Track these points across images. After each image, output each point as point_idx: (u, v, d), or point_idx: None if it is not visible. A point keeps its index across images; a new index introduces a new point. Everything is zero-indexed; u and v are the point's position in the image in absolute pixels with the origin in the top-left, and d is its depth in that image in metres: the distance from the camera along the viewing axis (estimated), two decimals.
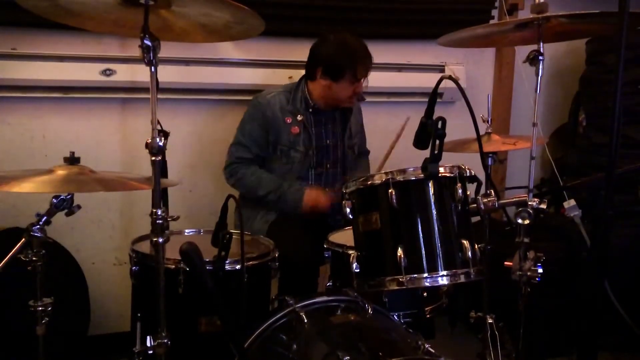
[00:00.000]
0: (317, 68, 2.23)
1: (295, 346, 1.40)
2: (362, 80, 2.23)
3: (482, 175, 1.51)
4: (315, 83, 2.27)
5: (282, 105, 2.26)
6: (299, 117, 2.26)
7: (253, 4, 1.38)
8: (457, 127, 1.69)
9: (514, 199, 1.41)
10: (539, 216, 1.41)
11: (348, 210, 1.50)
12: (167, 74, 2.34)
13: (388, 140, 2.15)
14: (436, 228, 1.38)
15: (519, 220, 1.39)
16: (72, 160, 1.48)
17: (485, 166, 1.70)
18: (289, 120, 2.25)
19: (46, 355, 1.52)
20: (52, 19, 1.42)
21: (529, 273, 1.44)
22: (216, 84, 2.57)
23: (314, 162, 2.32)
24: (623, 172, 1.97)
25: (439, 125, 1.37)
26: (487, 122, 1.99)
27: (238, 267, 1.64)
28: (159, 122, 1.36)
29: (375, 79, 2.36)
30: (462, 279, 1.38)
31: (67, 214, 1.47)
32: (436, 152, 1.35)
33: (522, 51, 1.58)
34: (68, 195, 1.45)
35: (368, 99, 2.61)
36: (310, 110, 2.29)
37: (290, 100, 2.28)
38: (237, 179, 2.26)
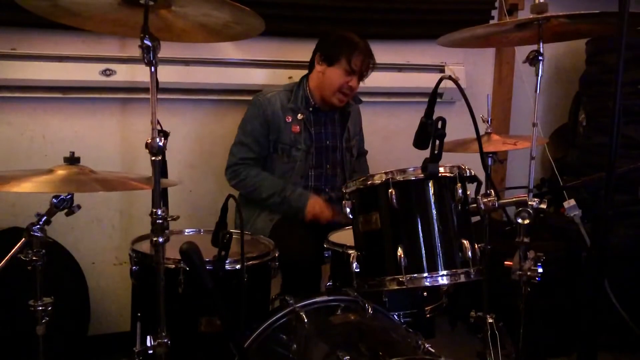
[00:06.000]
0: (316, 54, 2.26)
1: (295, 346, 1.40)
2: (357, 77, 2.22)
3: (482, 175, 1.51)
4: (313, 74, 2.29)
5: (282, 103, 2.26)
6: (300, 116, 2.26)
7: (253, 4, 1.38)
8: (457, 127, 1.69)
9: (514, 199, 1.41)
10: (539, 216, 1.41)
11: (348, 210, 1.50)
12: (167, 74, 2.34)
13: (388, 141, 2.15)
14: (436, 228, 1.38)
15: (519, 220, 1.39)
16: (72, 160, 1.48)
17: (485, 166, 1.70)
18: (289, 119, 2.25)
19: (46, 355, 1.51)
20: (52, 19, 1.42)
21: (529, 273, 1.44)
22: (216, 84, 2.57)
23: (313, 163, 2.31)
24: (623, 172, 1.96)
25: (439, 125, 1.37)
26: (487, 122, 1.99)
27: (238, 267, 1.64)
28: (159, 122, 1.36)
29: (375, 79, 2.36)
30: (462, 278, 1.38)
31: (67, 214, 1.47)
32: (436, 152, 1.35)
33: (522, 51, 1.58)
34: (68, 195, 1.45)
35: (368, 99, 2.61)
36: (311, 109, 2.29)
37: (291, 99, 2.28)
38: (240, 180, 2.25)
